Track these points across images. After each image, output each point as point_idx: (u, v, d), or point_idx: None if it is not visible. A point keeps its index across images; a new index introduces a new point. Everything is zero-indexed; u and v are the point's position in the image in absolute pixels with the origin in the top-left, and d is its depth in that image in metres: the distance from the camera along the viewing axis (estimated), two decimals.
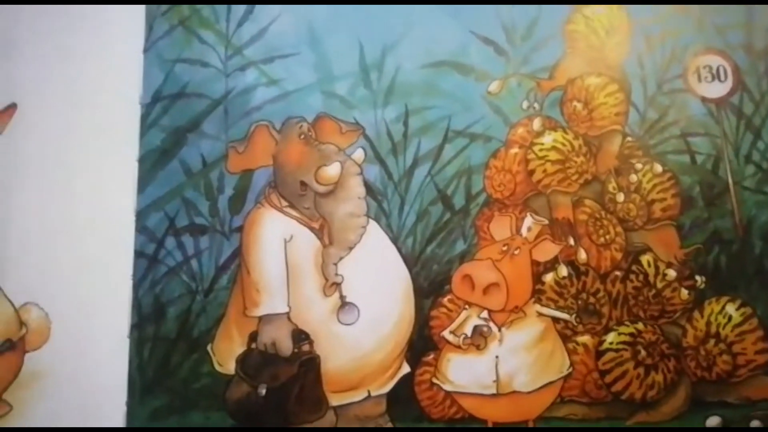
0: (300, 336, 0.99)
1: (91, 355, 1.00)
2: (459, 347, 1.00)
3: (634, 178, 1.06)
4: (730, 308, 1.02)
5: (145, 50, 1.09)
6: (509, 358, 1.00)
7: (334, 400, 0.99)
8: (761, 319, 1.02)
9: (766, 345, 1.01)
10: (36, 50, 1.08)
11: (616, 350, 1.01)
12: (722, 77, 1.09)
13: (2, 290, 1.01)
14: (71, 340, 1.00)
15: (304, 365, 0.97)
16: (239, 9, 1.09)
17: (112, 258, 1.03)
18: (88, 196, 1.04)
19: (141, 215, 1.04)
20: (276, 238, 1.01)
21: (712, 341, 1.01)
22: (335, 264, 1.00)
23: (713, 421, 0.99)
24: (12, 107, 1.05)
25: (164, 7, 1.09)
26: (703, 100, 1.08)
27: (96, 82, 1.08)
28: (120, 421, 0.99)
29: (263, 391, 0.96)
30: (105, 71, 1.08)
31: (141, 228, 1.04)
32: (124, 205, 1.04)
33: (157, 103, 1.07)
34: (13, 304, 1.00)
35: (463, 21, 1.10)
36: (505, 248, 1.01)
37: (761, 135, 1.07)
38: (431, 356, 1.01)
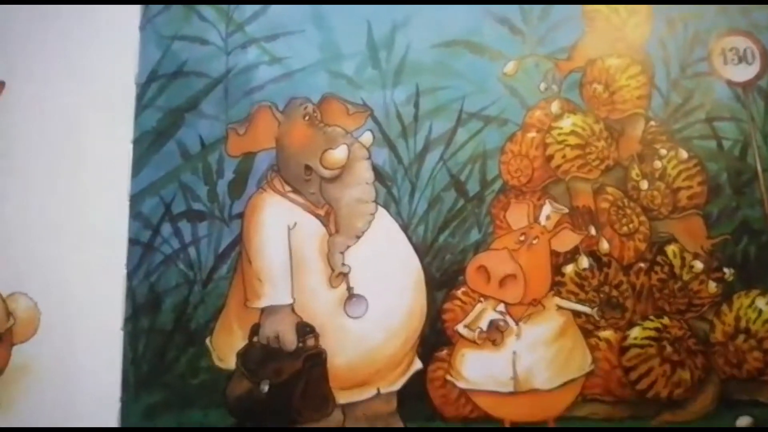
0: (305, 329, 0.96)
1: (83, 348, 0.97)
2: (474, 342, 0.97)
3: (658, 164, 1.02)
4: (760, 302, 0.98)
5: (142, 27, 1.06)
6: (527, 354, 0.96)
7: (342, 398, 0.95)
8: None
9: None
10: (28, 27, 1.05)
11: (641, 346, 0.97)
12: (749, 59, 1.06)
13: None
14: (62, 332, 0.97)
15: (309, 360, 0.95)
16: None
17: (105, 245, 1.00)
18: (80, 180, 1.01)
19: (135, 200, 1.01)
20: (279, 225, 0.97)
21: (741, 337, 0.98)
22: (342, 253, 0.97)
23: (744, 421, 0.96)
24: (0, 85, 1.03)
25: None
26: (729, 83, 1.05)
27: (90, 61, 1.05)
28: (114, 418, 0.96)
29: (266, 388, 0.94)
30: (99, 49, 1.05)
31: (135, 214, 1.01)
32: (118, 190, 1.01)
33: (154, 82, 1.04)
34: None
35: None
36: (522, 238, 0.98)
37: None
38: (444, 352, 0.98)
